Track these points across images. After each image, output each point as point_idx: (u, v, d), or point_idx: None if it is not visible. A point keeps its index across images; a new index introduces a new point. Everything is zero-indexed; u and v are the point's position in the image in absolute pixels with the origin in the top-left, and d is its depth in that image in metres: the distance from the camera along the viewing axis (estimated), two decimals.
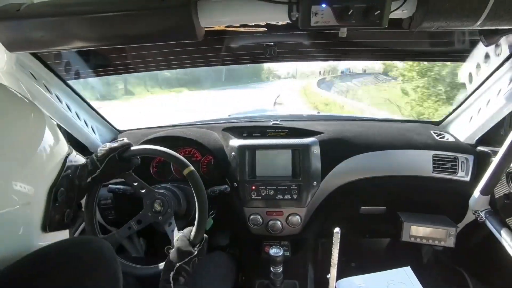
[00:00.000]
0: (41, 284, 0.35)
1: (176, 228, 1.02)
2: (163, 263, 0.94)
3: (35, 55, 1.05)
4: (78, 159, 0.69)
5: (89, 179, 0.90)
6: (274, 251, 1.14)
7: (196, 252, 0.90)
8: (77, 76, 1.36)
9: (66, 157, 0.58)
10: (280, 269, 1.16)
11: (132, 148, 0.99)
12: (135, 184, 1.04)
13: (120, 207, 1.32)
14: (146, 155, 1.01)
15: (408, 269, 1.10)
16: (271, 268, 1.17)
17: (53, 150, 0.55)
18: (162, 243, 1.07)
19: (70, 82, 1.27)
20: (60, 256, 0.40)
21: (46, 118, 0.56)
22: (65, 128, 1.27)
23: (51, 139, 0.55)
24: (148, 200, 1.05)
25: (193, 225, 0.96)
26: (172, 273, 0.83)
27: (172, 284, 0.80)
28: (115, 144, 0.96)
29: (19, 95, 0.54)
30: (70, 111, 1.25)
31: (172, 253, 0.90)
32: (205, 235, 0.96)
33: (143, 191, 1.05)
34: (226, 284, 1.16)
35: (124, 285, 0.48)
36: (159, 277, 0.84)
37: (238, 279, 1.36)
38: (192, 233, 0.94)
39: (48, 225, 0.51)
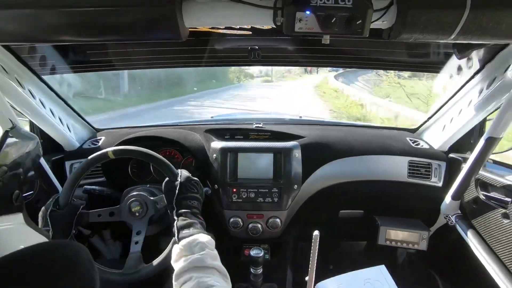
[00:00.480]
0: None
1: (142, 241, 1.00)
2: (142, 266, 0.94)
3: (7, 47, 1.00)
4: (24, 135, 0.61)
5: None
6: (255, 252, 1.14)
7: (179, 180, 0.90)
8: (53, 71, 1.30)
9: (6, 133, 0.52)
10: (260, 271, 1.16)
11: (60, 193, 0.95)
12: (100, 216, 1.02)
13: (95, 208, 1.28)
14: (74, 187, 0.96)
15: (383, 268, 1.13)
16: (251, 269, 1.17)
17: None
18: (148, 245, 1.04)
19: (45, 77, 1.21)
20: (34, 261, 0.38)
21: None
22: (38, 125, 1.21)
23: None
24: (125, 212, 1.02)
25: (166, 232, 0.95)
26: (174, 211, 0.85)
27: (176, 221, 0.82)
28: (45, 206, 0.92)
29: None
30: (44, 107, 1.20)
31: (165, 198, 0.91)
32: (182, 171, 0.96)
33: (113, 216, 1.03)
34: None
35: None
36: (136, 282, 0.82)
37: None
38: (166, 174, 0.94)
39: None
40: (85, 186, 1.16)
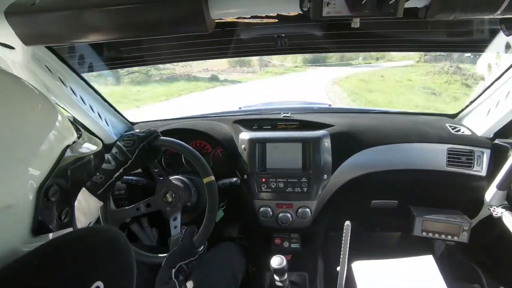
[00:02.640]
0: (57, 271, 0.36)
1: (179, 225, 1.05)
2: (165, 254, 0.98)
3: (50, 48, 1.07)
4: (87, 148, 0.56)
5: (120, 170, 0.93)
6: (277, 262, 1.04)
7: (196, 256, 0.93)
8: (91, 69, 1.38)
9: (66, 147, 0.48)
10: (285, 277, 1.11)
11: (161, 138, 1.01)
12: (156, 170, 1.07)
13: (133, 197, 1.36)
14: (173, 149, 1.02)
15: (430, 258, 1.07)
16: (276, 278, 1.10)
17: (53, 142, 0.45)
18: None
19: (83, 75, 1.29)
20: (77, 244, 0.41)
21: (57, 111, 0.48)
22: (80, 121, 1.30)
23: (55, 130, 0.46)
24: (162, 188, 1.08)
25: (200, 219, 0.98)
26: (174, 270, 0.85)
27: (174, 280, 0.82)
28: (142, 134, 0.98)
29: (30, 86, 0.46)
30: (85, 103, 1.28)
31: (176, 250, 0.92)
32: (206, 242, 0.99)
33: (161, 178, 1.08)
34: (235, 274, 1.18)
35: (137, 273, 0.48)
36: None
37: (248, 270, 1.38)
38: (196, 236, 0.97)
39: (39, 229, 0.42)
40: (124, 177, 1.24)
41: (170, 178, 1.14)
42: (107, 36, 0.77)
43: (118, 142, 0.97)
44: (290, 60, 20.85)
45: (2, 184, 0.36)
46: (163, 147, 1.02)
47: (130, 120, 1.63)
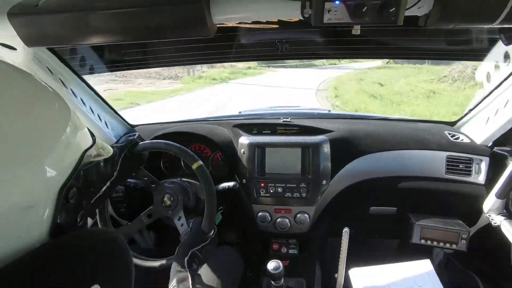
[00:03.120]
0: (58, 271, 0.36)
1: (186, 222, 1.04)
2: (170, 257, 0.97)
3: (51, 49, 1.08)
4: (101, 153, 0.57)
5: (107, 184, 0.92)
6: (273, 266, 1.02)
7: (208, 240, 0.93)
8: (91, 71, 1.38)
9: (85, 151, 0.48)
10: (281, 282, 1.12)
11: (141, 143, 1.01)
12: (146, 178, 1.06)
13: (131, 200, 1.35)
14: (155, 150, 1.02)
15: (427, 262, 1.06)
16: (272, 283, 1.09)
17: (72, 143, 0.45)
18: (170, 236, 1.09)
19: (84, 76, 1.29)
20: (78, 246, 0.41)
21: (70, 110, 0.48)
22: None
23: (72, 131, 0.46)
24: (158, 195, 1.07)
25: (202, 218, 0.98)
26: (186, 258, 0.85)
27: (186, 269, 0.82)
28: (121, 144, 0.97)
29: (44, 84, 0.46)
30: (85, 105, 1.28)
31: (186, 239, 0.93)
32: (215, 226, 0.99)
33: (153, 185, 1.07)
34: (233, 278, 1.17)
35: (135, 276, 0.48)
36: (165, 271, 0.86)
37: (246, 274, 1.37)
38: (203, 223, 0.97)
39: (57, 231, 0.42)
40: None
41: (163, 182, 1.14)
42: (109, 38, 0.78)
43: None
44: None
45: (20, 182, 0.36)
46: (144, 151, 1.01)
47: (131, 122, 1.64)
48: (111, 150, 0.61)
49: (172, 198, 1.07)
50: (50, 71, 1.09)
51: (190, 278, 0.78)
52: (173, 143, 1.02)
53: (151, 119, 1.75)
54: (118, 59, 1.38)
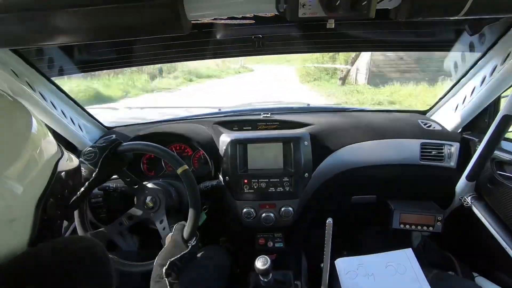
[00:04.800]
0: (33, 284, 0.35)
1: (168, 226, 1.02)
2: (150, 261, 0.95)
3: (15, 51, 1.02)
4: (70, 163, 0.57)
5: (86, 185, 0.88)
6: (261, 262, 1.04)
7: (189, 248, 0.90)
8: (61, 72, 1.32)
9: (57, 161, 0.49)
10: (270, 277, 1.12)
11: (124, 144, 0.98)
12: (128, 180, 1.04)
13: (111, 204, 1.31)
14: (139, 151, 0.99)
15: (409, 251, 1.10)
16: (261, 278, 1.11)
17: (42, 154, 0.46)
18: (154, 239, 1.07)
19: (54, 79, 1.23)
20: (54, 256, 0.39)
21: (33, 117, 0.48)
22: (51, 127, 1.24)
23: (39, 141, 0.46)
24: (141, 196, 1.05)
25: (186, 219, 0.96)
26: (165, 268, 0.83)
27: (165, 279, 0.81)
28: (103, 144, 0.94)
29: (1, 92, 0.45)
30: (56, 109, 1.22)
31: (166, 247, 0.90)
32: (197, 233, 0.96)
33: (135, 187, 1.05)
34: (221, 277, 1.17)
35: (129, 281, 0.47)
36: (149, 274, 0.85)
37: (233, 272, 1.37)
38: (185, 230, 0.94)
39: (35, 241, 0.43)
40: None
41: (145, 183, 1.11)
42: (77, 38, 0.74)
43: (80, 158, 0.92)
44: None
45: (10, 195, 0.38)
46: (127, 152, 0.99)
47: (106, 125, 1.58)
48: (77, 160, 0.61)
49: (154, 200, 1.05)
50: (16, 74, 1.02)
51: None
52: (157, 145, 0.99)
53: (129, 121, 1.70)
54: (89, 59, 1.32)
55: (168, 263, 0.83)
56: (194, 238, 0.95)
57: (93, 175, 0.89)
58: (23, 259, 0.37)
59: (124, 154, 0.98)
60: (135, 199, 1.07)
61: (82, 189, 0.87)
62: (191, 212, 0.95)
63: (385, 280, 1.03)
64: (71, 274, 0.39)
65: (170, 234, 0.96)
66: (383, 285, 1.02)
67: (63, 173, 0.51)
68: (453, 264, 1.40)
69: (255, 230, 1.41)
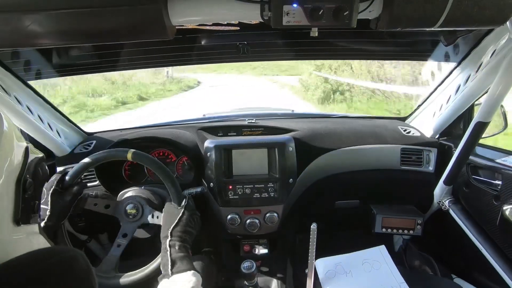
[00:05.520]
0: None
1: (160, 214, 1.01)
2: (136, 271, 0.94)
3: None
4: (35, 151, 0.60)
5: (43, 226, 0.84)
6: (246, 265, 1.08)
7: (182, 210, 0.92)
8: (38, 76, 1.27)
9: (27, 147, 0.53)
10: (255, 282, 1.14)
11: (69, 172, 0.95)
12: (96, 205, 1.02)
13: (90, 212, 1.27)
14: (82, 172, 0.96)
15: (382, 248, 1.16)
16: (245, 283, 1.14)
17: (14, 139, 0.49)
18: (137, 247, 1.03)
19: (31, 82, 1.18)
20: (29, 270, 0.37)
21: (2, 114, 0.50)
22: (27, 132, 1.18)
23: (10, 128, 0.49)
24: (121, 211, 1.02)
25: (153, 239, 0.96)
26: (168, 240, 0.84)
27: (169, 252, 0.82)
28: (48, 183, 0.91)
29: None
30: (32, 113, 1.17)
31: (162, 221, 0.92)
32: (185, 192, 0.99)
33: (109, 208, 1.03)
34: (206, 286, 1.15)
35: None
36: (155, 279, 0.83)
37: (218, 280, 1.35)
38: (172, 199, 0.95)
39: (20, 219, 0.47)
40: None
41: (122, 193, 1.10)
42: (56, 41, 0.72)
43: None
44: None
45: None
46: (75, 179, 0.95)
47: (86, 130, 1.53)
48: (41, 154, 0.62)
49: (135, 205, 1.02)
50: None
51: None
52: (97, 152, 0.97)
53: (110, 126, 1.65)
54: (68, 63, 1.28)
55: (169, 233, 0.86)
56: (184, 199, 0.96)
57: (47, 216, 0.86)
58: (3, 269, 0.35)
59: (73, 184, 0.95)
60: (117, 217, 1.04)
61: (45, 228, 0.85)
62: (165, 180, 0.95)
63: (362, 277, 1.07)
64: (53, 286, 0.38)
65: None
66: (360, 281, 1.06)
67: (34, 158, 0.54)
68: (433, 266, 1.45)
69: (240, 237, 1.40)
